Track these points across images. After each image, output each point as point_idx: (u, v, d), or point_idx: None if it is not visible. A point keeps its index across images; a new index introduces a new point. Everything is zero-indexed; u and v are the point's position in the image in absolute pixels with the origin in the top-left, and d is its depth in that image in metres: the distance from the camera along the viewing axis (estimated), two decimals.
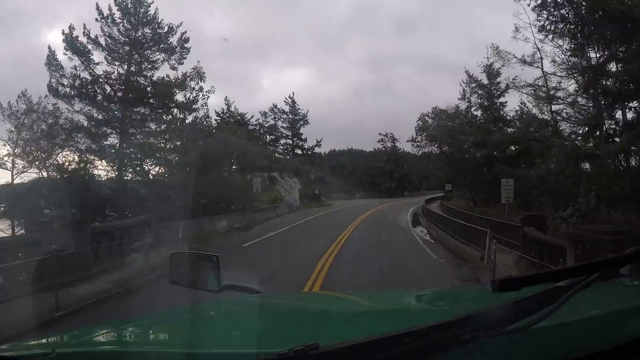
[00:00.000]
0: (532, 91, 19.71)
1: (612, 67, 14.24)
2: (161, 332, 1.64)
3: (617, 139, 14.38)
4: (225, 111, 43.28)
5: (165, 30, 20.54)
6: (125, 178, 20.35)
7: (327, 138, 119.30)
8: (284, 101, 54.10)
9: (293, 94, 58.34)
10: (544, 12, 15.58)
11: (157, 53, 20.76)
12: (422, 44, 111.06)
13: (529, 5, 15.79)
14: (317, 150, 55.04)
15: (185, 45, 20.99)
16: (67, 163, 19.02)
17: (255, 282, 2.23)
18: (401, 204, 42.42)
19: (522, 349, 1.01)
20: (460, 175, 31.08)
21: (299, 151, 53.48)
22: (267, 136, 50.66)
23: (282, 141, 53.14)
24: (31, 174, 21.51)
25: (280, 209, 29.46)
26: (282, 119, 53.15)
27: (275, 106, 53.14)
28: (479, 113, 29.53)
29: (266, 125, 50.68)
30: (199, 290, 2.09)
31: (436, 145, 31.34)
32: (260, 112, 50.86)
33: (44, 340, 1.57)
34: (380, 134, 72.97)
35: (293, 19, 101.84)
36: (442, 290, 3.78)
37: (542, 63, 17.90)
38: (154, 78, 20.63)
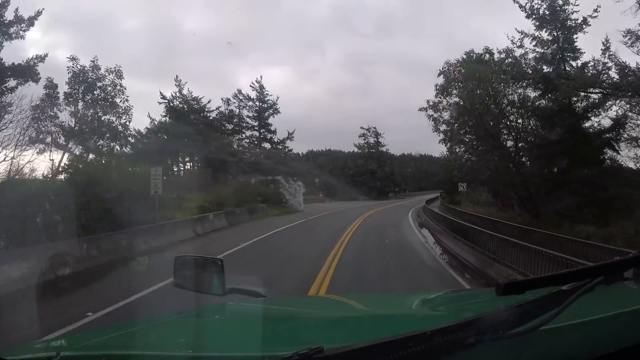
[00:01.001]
0: None
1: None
2: (165, 336, 1.65)
3: None
4: (176, 95, 36.66)
5: None
6: None
7: (307, 139, 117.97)
8: (250, 86, 44.17)
9: (261, 77, 49.17)
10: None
11: None
12: (402, 45, 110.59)
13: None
14: (290, 145, 45.84)
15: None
16: None
17: (259, 286, 2.24)
18: (393, 209, 35.04)
19: (526, 353, 1.01)
20: (503, 165, 21.37)
21: (267, 145, 44.70)
22: (227, 125, 42.20)
23: (248, 133, 44.52)
24: None
25: (212, 222, 18.27)
26: (247, 107, 43.94)
27: (240, 92, 43.45)
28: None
29: (229, 114, 42.25)
30: (204, 294, 2.10)
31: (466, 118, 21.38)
32: (222, 99, 42.21)
33: (48, 344, 1.58)
34: (362, 127, 65.90)
35: (271, 18, 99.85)
36: (446, 293, 3.77)
37: None
38: None
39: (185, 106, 36.99)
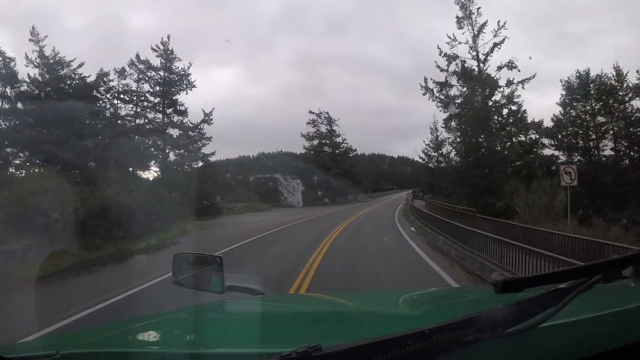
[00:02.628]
0: None
1: None
2: (164, 333, 1.65)
3: None
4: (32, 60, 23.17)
5: None
6: None
7: (257, 141, 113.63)
8: (152, 49, 30.25)
9: (168, 37, 30.88)
10: None
11: None
12: (354, 44, 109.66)
13: None
14: (207, 130, 32.20)
15: None
16: None
17: (258, 284, 2.24)
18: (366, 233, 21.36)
19: (525, 351, 1.01)
20: None
21: (176, 131, 31.82)
22: (116, 102, 28.63)
23: (151, 115, 31.01)
24: None
25: None
26: (146, 79, 30.20)
27: (139, 59, 29.63)
28: None
29: (123, 90, 29.01)
30: (202, 291, 2.10)
31: None
32: (115, 70, 28.15)
33: (48, 341, 1.58)
34: (311, 111, 52.42)
35: (220, 15, 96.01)
36: (444, 291, 3.77)
37: None
38: None
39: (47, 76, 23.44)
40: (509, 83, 29.34)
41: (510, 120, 29.85)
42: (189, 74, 31.37)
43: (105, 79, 26.01)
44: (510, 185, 21.93)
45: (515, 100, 29.55)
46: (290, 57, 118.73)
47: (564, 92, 30.05)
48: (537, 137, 30.28)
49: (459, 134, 31.59)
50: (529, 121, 29.51)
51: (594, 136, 29.08)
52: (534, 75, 29.41)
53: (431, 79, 31.26)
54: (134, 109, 30.16)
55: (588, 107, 29.03)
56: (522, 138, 30.00)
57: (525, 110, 29.70)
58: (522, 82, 29.13)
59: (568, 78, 29.71)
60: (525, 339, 0.96)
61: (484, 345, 0.90)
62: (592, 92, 28.73)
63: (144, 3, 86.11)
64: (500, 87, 29.64)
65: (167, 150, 31.45)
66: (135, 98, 30.05)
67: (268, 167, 61.34)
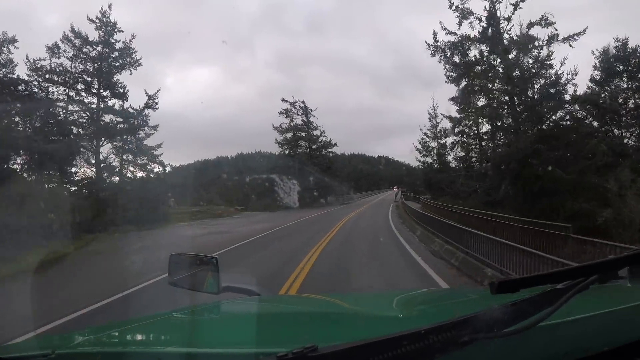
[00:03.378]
0: None
1: None
2: (160, 333, 1.64)
3: None
4: None
5: None
6: None
7: (236, 142, 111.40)
8: (88, 19, 25.55)
9: (110, 5, 26.16)
10: None
11: None
12: (334, 44, 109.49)
13: None
14: (152, 117, 27.03)
15: None
16: None
17: (254, 285, 2.23)
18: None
19: (521, 351, 1.01)
20: None
21: (116, 119, 26.47)
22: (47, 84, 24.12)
23: (88, 100, 25.83)
24: None
25: None
26: (80, 58, 25.31)
27: (75, 32, 25.01)
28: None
29: (53, 69, 24.22)
30: (198, 292, 2.10)
31: None
32: (47, 47, 24.23)
33: (43, 341, 1.57)
34: (284, 99, 46.60)
35: (200, 15, 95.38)
36: (440, 291, 3.78)
37: None
38: None
39: None
40: (552, 39, 22.34)
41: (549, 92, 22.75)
42: (133, 49, 26.36)
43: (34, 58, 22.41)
44: (620, 176, 14.40)
45: (549, 61, 22.85)
46: (271, 57, 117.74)
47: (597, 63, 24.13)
48: (585, 114, 23.43)
49: (485, 107, 24.76)
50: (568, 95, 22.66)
51: None
52: (584, 30, 22.58)
53: (443, 40, 24.84)
54: (66, 92, 25.05)
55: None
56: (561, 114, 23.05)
57: (566, 76, 22.48)
58: (569, 38, 22.53)
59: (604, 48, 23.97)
60: (521, 340, 0.96)
61: (480, 345, 0.90)
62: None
63: (121, 1, 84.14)
64: (537, 47, 22.72)
65: (101, 143, 25.80)
66: (68, 79, 25.02)
67: (245, 168, 58.02)
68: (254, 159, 67.62)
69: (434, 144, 34.96)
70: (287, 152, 46.19)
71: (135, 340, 1.55)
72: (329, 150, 49.55)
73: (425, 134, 35.71)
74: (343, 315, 1.90)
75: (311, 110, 47.14)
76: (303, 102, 47.02)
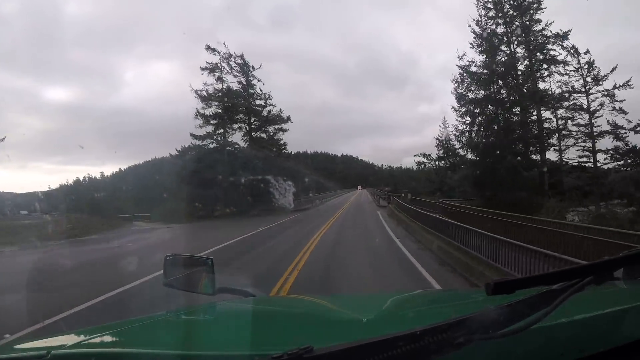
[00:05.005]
0: None
1: None
2: (156, 334, 1.64)
3: None
4: None
5: None
6: None
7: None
8: None
9: None
10: None
11: None
12: (299, 40, 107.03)
13: None
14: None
15: None
16: None
17: (249, 286, 2.23)
18: None
19: (516, 352, 1.01)
20: None
21: None
22: None
23: None
24: None
25: None
26: None
27: None
28: None
29: None
30: (194, 293, 2.09)
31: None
32: None
33: (38, 342, 1.56)
34: (209, 47, 32.27)
35: (157, 6, 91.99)
36: (436, 292, 3.78)
37: None
38: None
39: None
40: None
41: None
42: None
43: None
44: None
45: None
46: (232, 52, 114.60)
47: None
48: None
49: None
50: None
51: None
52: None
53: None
54: None
55: None
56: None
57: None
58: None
59: None
60: (517, 341, 0.95)
61: (475, 346, 0.90)
62: None
63: None
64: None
65: None
66: None
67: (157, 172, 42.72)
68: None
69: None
70: (213, 131, 31.49)
71: (131, 342, 1.54)
72: (280, 127, 32.66)
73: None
74: (338, 316, 1.89)
75: (253, 68, 32.15)
76: (241, 56, 32.05)
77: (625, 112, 25.39)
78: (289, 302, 2.85)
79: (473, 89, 29.13)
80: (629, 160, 25.24)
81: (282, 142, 34.33)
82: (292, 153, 40.34)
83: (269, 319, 1.84)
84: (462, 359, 0.92)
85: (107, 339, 1.52)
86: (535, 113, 27.49)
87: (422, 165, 39.39)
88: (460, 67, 29.33)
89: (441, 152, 37.93)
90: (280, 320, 1.86)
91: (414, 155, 37.36)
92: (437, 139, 39.13)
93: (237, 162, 30.11)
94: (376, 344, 0.85)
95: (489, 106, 27.63)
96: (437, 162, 38.54)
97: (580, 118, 27.57)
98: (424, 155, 39.37)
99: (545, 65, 27.31)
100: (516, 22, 26.64)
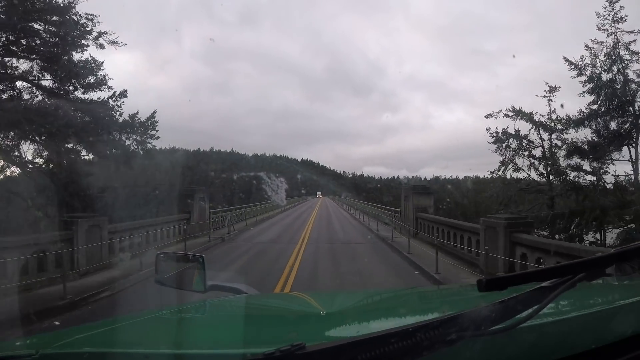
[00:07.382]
0: None
1: None
2: (147, 333, 1.62)
3: None
4: None
5: None
6: None
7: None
8: None
9: None
10: None
11: None
12: (266, 40, 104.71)
13: None
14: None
15: None
16: None
17: (240, 283, 2.22)
18: None
19: (508, 349, 1.01)
20: None
21: None
22: None
23: None
24: None
25: None
26: None
27: None
28: None
29: None
30: (185, 290, 2.08)
31: None
32: None
33: (28, 341, 1.54)
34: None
35: None
36: (428, 289, 3.80)
37: None
38: None
39: None
40: None
41: None
42: None
43: None
44: None
45: None
46: (197, 47, 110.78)
47: None
48: None
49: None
50: None
51: None
52: None
53: None
54: None
55: None
56: None
57: None
58: None
59: None
60: (508, 337, 0.95)
61: (467, 343, 0.90)
62: None
63: None
64: None
65: None
66: None
67: None
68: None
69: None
70: None
71: (122, 340, 1.52)
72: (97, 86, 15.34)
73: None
74: (331, 313, 1.89)
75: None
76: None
77: None
78: (280, 299, 2.85)
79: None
80: None
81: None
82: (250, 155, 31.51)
83: (261, 316, 1.83)
84: (454, 355, 0.92)
85: (97, 337, 1.51)
86: None
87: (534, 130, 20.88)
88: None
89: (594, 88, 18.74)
90: (272, 317, 1.85)
91: (484, 117, 20.91)
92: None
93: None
94: (368, 341, 0.85)
95: None
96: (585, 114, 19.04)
97: None
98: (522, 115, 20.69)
99: None
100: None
